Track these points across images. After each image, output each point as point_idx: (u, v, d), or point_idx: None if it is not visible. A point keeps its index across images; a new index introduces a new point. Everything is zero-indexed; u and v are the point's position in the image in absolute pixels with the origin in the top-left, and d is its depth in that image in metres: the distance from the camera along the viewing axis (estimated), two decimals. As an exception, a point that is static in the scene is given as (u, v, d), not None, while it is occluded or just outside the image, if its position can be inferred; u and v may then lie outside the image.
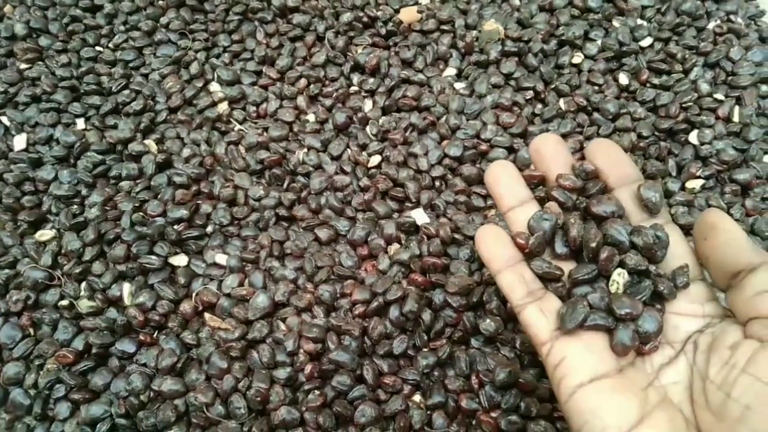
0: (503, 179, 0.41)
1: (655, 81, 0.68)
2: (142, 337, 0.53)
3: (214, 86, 0.68)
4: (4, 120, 0.66)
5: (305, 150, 0.63)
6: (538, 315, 0.36)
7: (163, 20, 0.73)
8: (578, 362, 0.34)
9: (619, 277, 0.36)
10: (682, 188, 0.61)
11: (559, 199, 0.39)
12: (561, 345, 0.35)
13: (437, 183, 0.62)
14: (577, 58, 0.71)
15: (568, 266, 0.38)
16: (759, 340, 0.31)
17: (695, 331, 0.35)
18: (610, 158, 0.39)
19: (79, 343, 0.53)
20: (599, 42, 0.71)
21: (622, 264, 0.36)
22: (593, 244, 0.36)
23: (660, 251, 0.36)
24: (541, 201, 0.40)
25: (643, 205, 0.37)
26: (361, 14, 0.73)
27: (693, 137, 0.64)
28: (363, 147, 0.64)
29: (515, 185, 0.40)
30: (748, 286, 0.33)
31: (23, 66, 0.69)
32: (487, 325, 0.51)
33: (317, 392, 0.50)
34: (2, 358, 0.53)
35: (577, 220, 0.37)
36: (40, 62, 0.70)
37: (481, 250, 0.39)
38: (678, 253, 0.37)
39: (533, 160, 0.42)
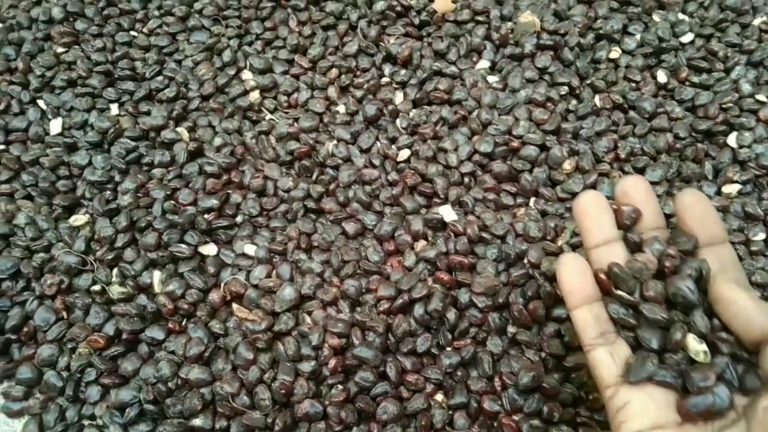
0: (592, 212, 0.40)
1: (695, 79, 0.66)
2: (171, 325, 0.54)
3: (246, 74, 0.68)
4: (41, 104, 0.67)
5: (335, 142, 0.63)
6: (607, 358, 0.37)
7: (197, 5, 0.73)
8: (640, 410, 0.35)
9: (700, 347, 0.36)
10: (718, 192, 0.60)
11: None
12: (626, 391, 0.36)
13: (466, 179, 0.61)
14: (615, 53, 0.69)
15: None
16: None
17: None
18: (700, 214, 0.38)
19: (110, 329, 0.54)
20: (638, 37, 0.69)
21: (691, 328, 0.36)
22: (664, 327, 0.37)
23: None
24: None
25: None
26: (394, 3, 0.72)
27: (731, 140, 0.62)
28: (392, 140, 0.64)
29: (604, 221, 0.40)
30: None
31: (60, 50, 0.70)
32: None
33: (340, 387, 0.50)
34: (37, 339, 0.55)
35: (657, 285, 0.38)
36: (76, 46, 0.71)
37: (562, 281, 0.39)
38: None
39: (618, 200, 0.41)
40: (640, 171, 0.61)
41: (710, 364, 0.35)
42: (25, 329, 0.55)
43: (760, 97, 0.64)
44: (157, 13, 0.73)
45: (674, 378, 0.36)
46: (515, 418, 0.49)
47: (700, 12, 0.71)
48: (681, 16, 0.71)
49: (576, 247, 0.55)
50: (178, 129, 0.64)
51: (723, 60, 0.67)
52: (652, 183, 0.60)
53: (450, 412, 0.50)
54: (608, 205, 0.40)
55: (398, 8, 0.72)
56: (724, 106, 0.64)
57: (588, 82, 0.67)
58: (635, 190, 0.40)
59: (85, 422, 0.52)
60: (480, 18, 0.71)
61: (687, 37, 0.69)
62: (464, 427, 0.49)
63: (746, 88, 0.65)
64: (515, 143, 0.62)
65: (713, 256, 0.38)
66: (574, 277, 0.39)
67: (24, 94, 0.67)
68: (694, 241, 0.38)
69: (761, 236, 0.57)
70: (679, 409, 0.35)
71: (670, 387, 0.36)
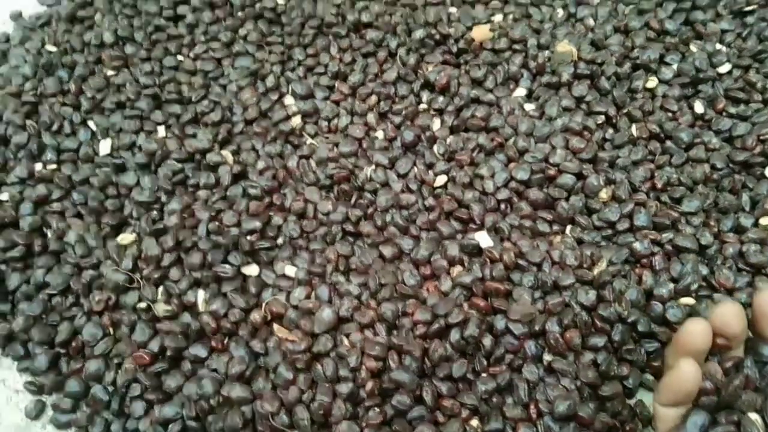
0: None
1: (732, 110, 0.66)
2: (213, 343, 0.55)
3: (288, 99, 0.70)
4: (91, 125, 0.69)
5: (373, 167, 0.65)
6: None
7: (242, 32, 0.76)
8: None
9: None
10: (755, 224, 0.60)
11: None
12: None
13: (502, 206, 0.62)
14: (652, 82, 0.69)
15: None
16: None
17: None
18: None
19: (154, 345, 0.56)
20: (675, 66, 0.70)
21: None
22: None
23: None
24: None
25: None
26: (433, 31, 0.73)
27: (769, 171, 0.62)
28: (430, 166, 0.65)
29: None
30: None
31: (110, 73, 0.73)
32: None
33: (377, 410, 0.51)
34: (84, 354, 0.57)
35: None
36: (125, 69, 0.74)
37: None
38: None
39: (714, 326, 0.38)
40: (677, 201, 0.61)
41: None
42: (74, 344, 0.57)
43: (798, 129, 0.64)
44: (203, 38, 0.76)
45: None
46: (551, 446, 0.49)
47: (738, 42, 0.72)
48: (718, 46, 0.71)
49: (614, 275, 0.56)
50: (223, 152, 0.66)
51: (761, 91, 0.67)
52: (689, 213, 0.60)
53: (485, 438, 0.51)
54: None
55: (437, 37, 0.73)
56: (762, 137, 0.64)
57: (624, 111, 0.68)
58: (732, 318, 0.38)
59: (130, 436, 0.54)
60: (517, 47, 0.72)
61: (724, 68, 0.69)
62: (500, 454, 0.50)
63: (784, 119, 0.65)
64: (552, 171, 0.63)
65: None
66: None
67: (75, 115, 0.70)
68: None
69: (799, 270, 0.56)
70: None
71: None
